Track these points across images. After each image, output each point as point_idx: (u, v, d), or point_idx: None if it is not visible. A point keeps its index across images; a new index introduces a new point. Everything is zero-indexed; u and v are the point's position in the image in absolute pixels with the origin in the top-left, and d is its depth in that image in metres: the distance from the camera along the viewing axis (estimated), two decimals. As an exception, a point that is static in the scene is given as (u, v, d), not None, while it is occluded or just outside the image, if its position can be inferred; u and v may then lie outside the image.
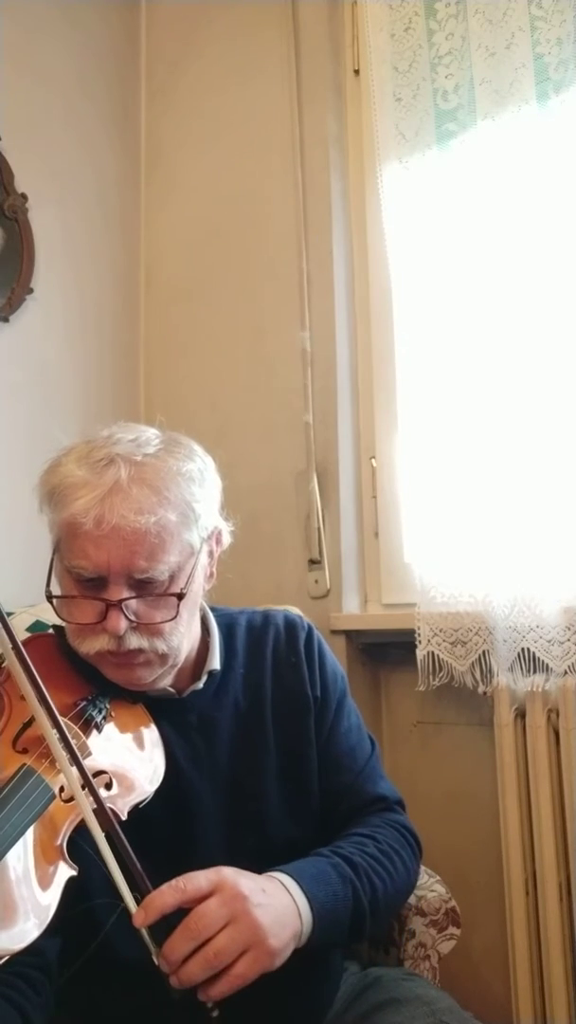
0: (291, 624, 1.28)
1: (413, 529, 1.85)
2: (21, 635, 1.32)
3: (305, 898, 1.00)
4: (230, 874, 0.95)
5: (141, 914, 0.90)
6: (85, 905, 1.00)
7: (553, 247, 1.65)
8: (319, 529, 1.98)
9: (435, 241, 1.82)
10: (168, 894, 0.91)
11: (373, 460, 2.00)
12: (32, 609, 1.58)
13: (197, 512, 1.07)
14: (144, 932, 0.90)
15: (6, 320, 2.08)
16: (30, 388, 2.13)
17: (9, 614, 1.55)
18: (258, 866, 1.12)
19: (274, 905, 0.96)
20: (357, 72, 2.08)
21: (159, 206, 2.43)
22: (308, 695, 1.23)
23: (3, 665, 1.06)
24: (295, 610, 1.76)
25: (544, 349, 1.65)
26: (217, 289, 2.26)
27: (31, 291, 2.14)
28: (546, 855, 1.55)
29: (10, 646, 0.94)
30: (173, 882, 0.92)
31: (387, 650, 1.93)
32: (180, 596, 1.05)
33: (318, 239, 2.06)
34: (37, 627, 1.53)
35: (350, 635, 1.93)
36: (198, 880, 0.93)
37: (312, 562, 1.99)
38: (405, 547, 1.92)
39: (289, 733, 1.21)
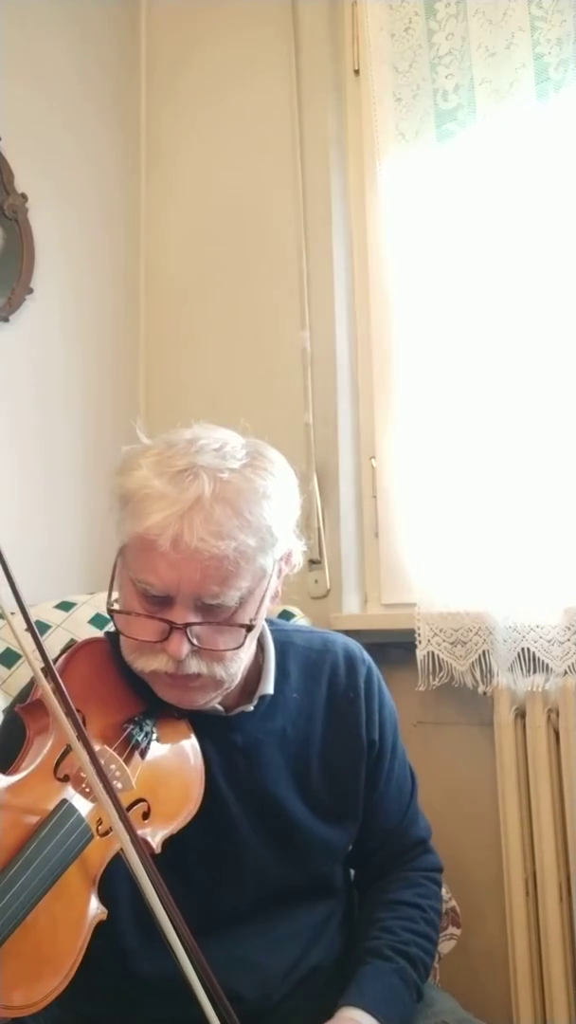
0: (351, 656, 1.22)
1: (413, 529, 1.85)
2: (20, 635, 1.30)
3: None
4: None
5: None
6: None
7: (553, 247, 1.65)
8: (319, 529, 1.98)
9: (435, 241, 1.82)
10: None
11: (373, 460, 2.00)
12: (32, 609, 1.58)
13: (275, 535, 1.01)
14: None
15: (6, 320, 2.08)
16: (30, 388, 2.13)
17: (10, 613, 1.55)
18: (285, 895, 1.12)
19: None
20: (357, 72, 2.08)
21: (159, 206, 2.42)
22: (363, 737, 1.17)
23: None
24: (297, 611, 1.76)
25: (545, 349, 1.65)
26: (217, 289, 2.26)
27: (31, 291, 2.14)
28: (546, 855, 1.55)
29: (48, 682, 0.90)
30: None
31: (387, 650, 1.93)
32: (249, 628, 1.01)
33: (318, 239, 2.06)
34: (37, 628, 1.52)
35: (350, 635, 1.93)
36: None
37: (312, 562, 1.99)
38: (405, 547, 1.91)
39: (337, 769, 1.16)
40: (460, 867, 1.67)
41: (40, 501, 2.06)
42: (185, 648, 0.97)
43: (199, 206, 2.33)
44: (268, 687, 1.12)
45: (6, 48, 2.12)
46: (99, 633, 1.37)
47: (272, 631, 1.18)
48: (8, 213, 2.11)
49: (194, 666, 0.99)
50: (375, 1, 1.94)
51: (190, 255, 2.34)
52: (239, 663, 1.03)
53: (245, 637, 1.01)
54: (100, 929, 0.89)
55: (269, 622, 1.19)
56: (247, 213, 2.21)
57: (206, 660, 1.00)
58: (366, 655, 1.25)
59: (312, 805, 1.13)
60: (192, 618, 0.97)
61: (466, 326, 1.75)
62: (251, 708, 1.11)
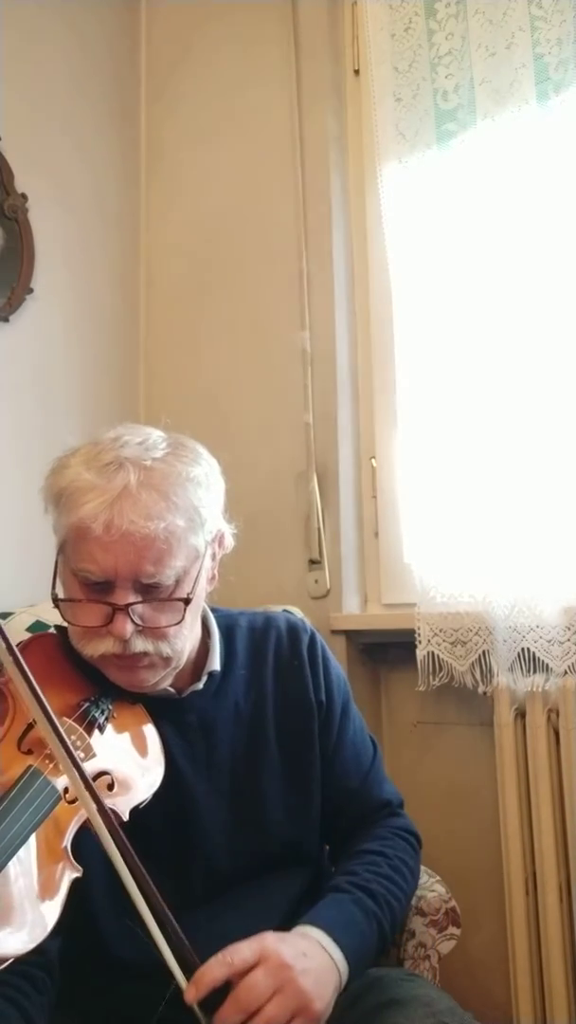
0: (293, 627, 1.28)
1: (413, 529, 1.85)
2: (21, 635, 1.32)
3: (340, 951, 1.03)
4: (272, 942, 0.97)
5: (192, 990, 0.92)
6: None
7: (553, 247, 1.65)
8: (319, 529, 1.98)
9: (435, 241, 1.82)
10: (216, 969, 0.93)
11: (373, 460, 2.00)
12: (32, 609, 1.58)
13: (203, 516, 1.08)
14: (195, 1006, 0.92)
15: (6, 320, 2.08)
16: (30, 388, 2.13)
17: (9, 614, 1.56)
18: (257, 867, 1.14)
19: (316, 968, 0.98)
20: (357, 72, 2.08)
21: (159, 206, 2.42)
22: (311, 699, 1.23)
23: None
24: (297, 611, 1.77)
25: (544, 349, 1.65)
26: (217, 289, 2.26)
27: (31, 291, 2.13)
28: (546, 855, 1.55)
29: (7, 653, 0.94)
30: (220, 956, 0.94)
31: (387, 650, 1.93)
32: (187, 601, 1.06)
33: (318, 239, 2.06)
34: (37, 627, 1.53)
35: (350, 635, 1.93)
36: (243, 952, 0.95)
37: (312, 562, 1.99)
38: (405, 547, 1.92)
39: (291, 736, 1.21)
40: (460, 867, 1.67)
41: (42, 500, 2.06)
42: (129, 628, 1.02)
43: (199, 206, 2.33)
44: (215, 663, 1.18)
45: (6, 49, 2.13)
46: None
47: (218, 616, 1.24)
48: (8, 213, 2.11)
49: (140, 645, 1.04)
50: (375, 1, 1.94)
51: (190, 255, 2.34)
52: (183, 640, 1.08)
53: (184, 611, 1.06)
54: (79, 913, 0.93)
55: (215, 609, 1.25)
56: (247, 213, 2.21)
57: (151, 639, 1.05)
58: (308, 625, 1.31)
59: (272, 773, 1.18)
60: (132, 598, 1.03)
61: (466, 326, 1.75)
62: (201, 686, 1.17)
